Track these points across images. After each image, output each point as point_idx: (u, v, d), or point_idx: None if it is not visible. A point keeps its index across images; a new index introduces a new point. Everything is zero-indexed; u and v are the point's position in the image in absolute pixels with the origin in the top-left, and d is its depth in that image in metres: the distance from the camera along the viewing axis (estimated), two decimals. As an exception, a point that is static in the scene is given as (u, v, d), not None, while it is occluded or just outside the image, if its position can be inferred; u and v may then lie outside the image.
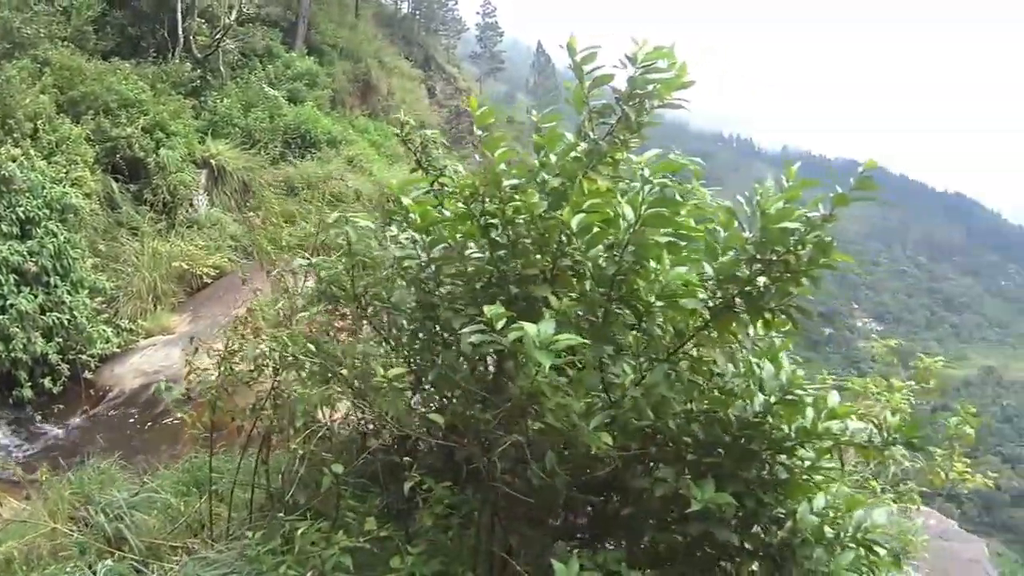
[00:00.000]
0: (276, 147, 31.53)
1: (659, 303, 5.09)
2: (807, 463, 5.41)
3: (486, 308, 4.76)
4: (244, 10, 36.18)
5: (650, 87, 5.57)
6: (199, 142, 28.08)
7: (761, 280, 4.95)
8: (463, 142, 39.63)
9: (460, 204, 5.72)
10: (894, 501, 10.13)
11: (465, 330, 5.06)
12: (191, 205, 26.08)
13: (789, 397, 5.07)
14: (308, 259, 6.89)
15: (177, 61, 31.42)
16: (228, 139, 30.18)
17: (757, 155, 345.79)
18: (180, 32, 32.42)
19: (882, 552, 5.19)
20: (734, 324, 5.16)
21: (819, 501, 5.18)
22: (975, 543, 35.42)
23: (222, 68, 34.44)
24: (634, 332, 5.40)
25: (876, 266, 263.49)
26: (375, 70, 47.01)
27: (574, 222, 5.01)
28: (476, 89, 73.29)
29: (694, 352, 5.39)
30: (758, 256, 4.92)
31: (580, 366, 5.18)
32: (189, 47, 32.87)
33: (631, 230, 4.91)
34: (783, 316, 5.16)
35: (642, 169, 4.97)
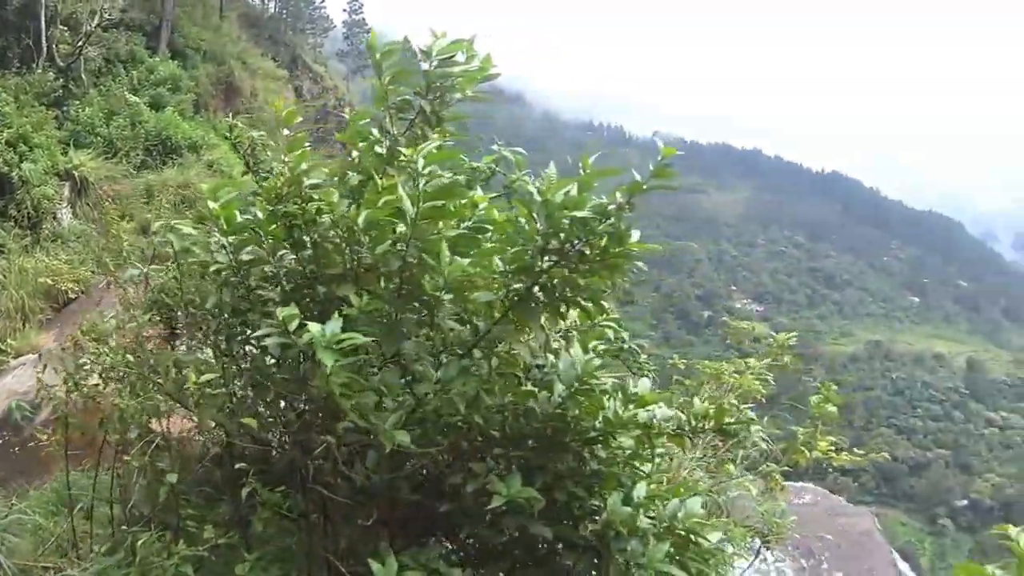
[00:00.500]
0: (138, 155, 31.30)
1: (447, 297, 5.05)
2: (627, 452, 5.38)
3: (279, 310, 4.73)
4: (107, 15, 35.68)
5: (450, 80, 5.55)
6: (62, 153, 27.74)
7: (556, 271, 4.91)
8: (330, 141, 39.56)
9: (267, 206, 5.62)
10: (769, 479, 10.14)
11: (259, 332, 5.04)
12: (55, 219, 25.77)
13: (585, 387, 4.98)
14: (140, 268, 6.82)
15: (40, 71, 31.07)
16: (91, 149, 29.80)
17: (628, 143, 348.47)
18: (44, 41, 32.01)
19: (704, 543, 5.16)
20: (528, 316, 5.09)
21: (639, 491, 5.13)
22: (865, 516, 35.90)
23: (84, 76, 34.09)
24: (426, 328, 5.35)
25: (753, 248, 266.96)
26: (238, 71, 46.64)
27: (360, 219, 4.96)
28: (343, 88, 73.21)
29: (505, 346, 5.33)
30: (549, 247, 4.84)
31: (381, 365, 5.15)
32: (52, 56, 32.46)
33: (411, 224, 4.84)
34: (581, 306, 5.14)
35: (416, 162, 4.87)
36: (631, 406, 5.08)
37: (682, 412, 5.25)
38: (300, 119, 6.02)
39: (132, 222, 23.28)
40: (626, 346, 9.23)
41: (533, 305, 5.07)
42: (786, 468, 10.14)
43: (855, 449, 10.75)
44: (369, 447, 5.21)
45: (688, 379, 10.54)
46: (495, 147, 6.55)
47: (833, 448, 9.81)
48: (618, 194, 4.81)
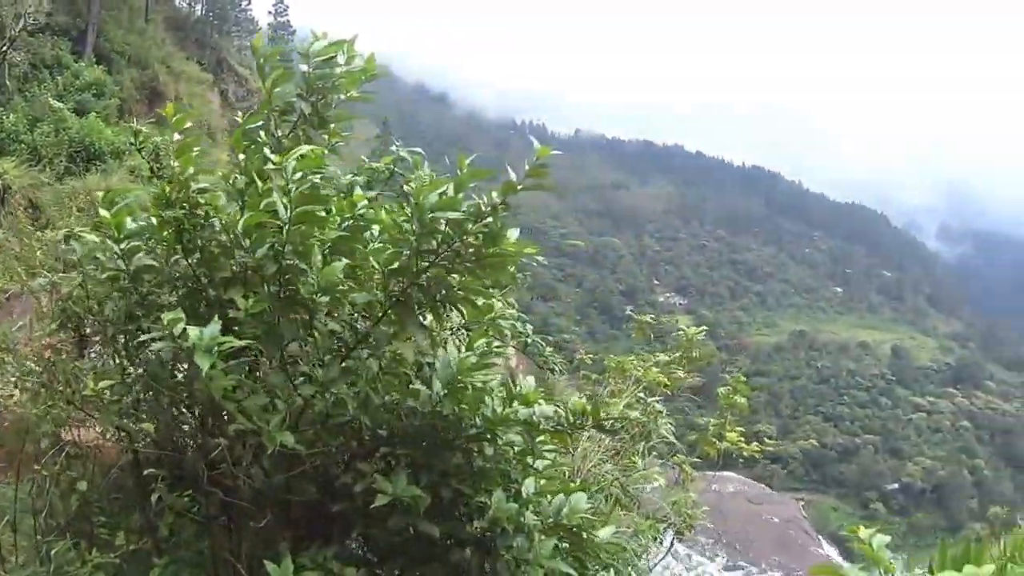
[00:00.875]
0: (61, 162, 30.78)
1: (324, 299, 5.05)
2: (517, 449, 5.45)
3: (164, 315, 4.73)
4: (32, 20, 35.28)
5: (331, 81, 5.59)
6: (-15, 161, 27.44)
7: (434, 271, 4.96)
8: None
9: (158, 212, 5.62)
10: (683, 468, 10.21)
11: (145, 337, 5.06)
12: (-22, 228, 25.54)
13: (460, 385, 5.00)
14: (48, 277, 6.82)
15: (-35, 78, 30.81)
16: (14, 156, 29.38)
17: (550, 140, 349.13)
18: (-30, 47, 31.74)
19: (595, 538, 5.23)
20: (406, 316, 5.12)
21: (528, 487, 5.21)
22: (789, 503, 36.11)
23: (9, 82, 33.70)
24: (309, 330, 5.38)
25: (675, 242, 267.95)
26: (163, 76, 46.45)
27: (240, 224, 4.97)
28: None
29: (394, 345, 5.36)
30: (423, 248, 4.87)
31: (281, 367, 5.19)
32: (-23, 62, 32.17)
33: (286, 228, 4.87)
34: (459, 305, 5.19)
35: (286, 166, 4.90)
36: (514, 403, 5.13)
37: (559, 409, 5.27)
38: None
39: (53, 230, 23.13)
40: (530, 341, 9.34)
41: (411, 305, 5.09)
42: (719, 457, 10.20)
43: (767, 438, 10.86)
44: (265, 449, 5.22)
45: (595, 374, 10.60)
46: (393, 148, 6.58)
47: (743, 438, 9.90)
48: (494, 194, 4.81)
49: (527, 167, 4.81)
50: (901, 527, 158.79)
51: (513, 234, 4.98)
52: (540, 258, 5.34)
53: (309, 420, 5.24)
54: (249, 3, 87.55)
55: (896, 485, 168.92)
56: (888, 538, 4.06)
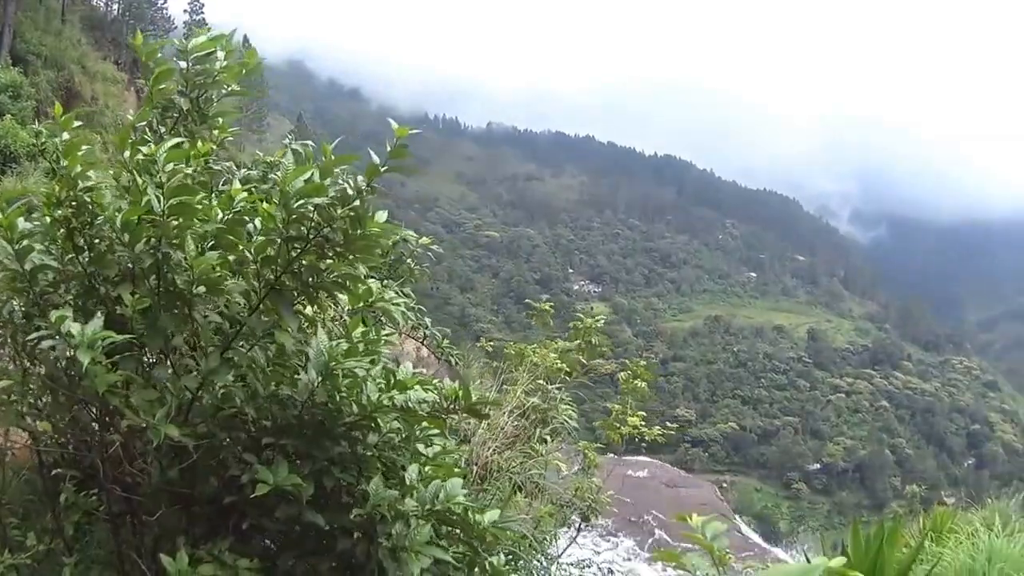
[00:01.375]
0: (-24, 165, 30.47)
1: (200, 290, 5.07)
2: (402, 436, 5.53)
3: (51, 313, 4.77)
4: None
5: (210, 76, 5.66)
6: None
7: (306, 258, 5.01)
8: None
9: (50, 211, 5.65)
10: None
11: (32, 336, 5.08)
12: None
13: (333, 372, 5.02)
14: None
15: None
16: (-70, 160, 29.17)
17: (462, 133, 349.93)
18: None
19: (478, 523, 5.31)
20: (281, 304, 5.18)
21: (412, 474, 5.27)
22: (704, 486, 36.71)
23: (-76, 86, 33.35)
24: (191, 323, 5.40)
25: (589, 231, 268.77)
26: (78, 76, 46.25)
27: (118, 219, 4.99)
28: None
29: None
30: (291, 235, 4.93)
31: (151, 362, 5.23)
32: None
33: (161, 221, 4.91)
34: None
35: (158, 158, 4.95)
36: (394, 391, 5.17)
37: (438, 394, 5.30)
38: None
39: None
40: (428, 331, 9.43)
41: (286, 294, 5.13)
42: (623, 442, 10.31)
43: (669, 423, 10.97)
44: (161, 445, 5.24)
45: (496, 361, 10.67)
46: (285, 141, 6.65)
47: (644, 423, 10.04)
48: (359, 179, 4.87)
49: (388, 148, 4.88)
50: (825, 506, 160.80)
51: (381, 216, 5.05)
52: (435, 247, 5.39)
53: (199, 413, 5.26)
54: (165, 1, 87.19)
55: (818, 465, 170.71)
56: (724, 526, 4.20)
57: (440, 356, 9.52)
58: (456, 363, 9.64)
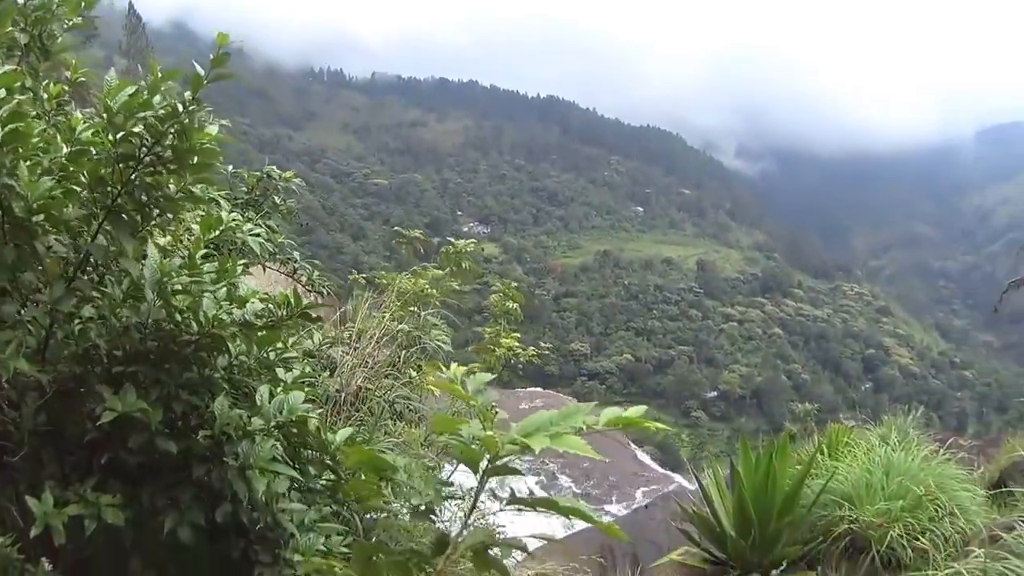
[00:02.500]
0: None
1: (39, 218, 4.90)
2: (252, 360, 5.45)
3: None
4: None
5: (49, 12, 5.53)
6: None
7: (140, 177, 4.88)
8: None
9: None
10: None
11: None
12: None
13: (165, 290, 4.92)
14: None
15: None
16: None
17: (348, 84, 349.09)
18: None
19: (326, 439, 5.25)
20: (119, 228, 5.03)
21: (263, 394, 5.18)
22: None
23: None
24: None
25: (476, 174, 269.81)
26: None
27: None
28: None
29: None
30: (120, 153, 4.79)
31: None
32: None
33: None
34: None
35: None
36: (233, 305, 5.09)
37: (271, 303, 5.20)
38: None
39: None
40: (297, 264, 9.32)
41: (124, 217, 5.00)
42: (498, 365, 10.24)
43: (543, 344, 10.94)
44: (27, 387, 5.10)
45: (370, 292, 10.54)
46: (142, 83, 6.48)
47: (519, 344, 10.00)
48: (187, 94, 4.78)
49: (211, 57, 4.81)
50: (725, 432, 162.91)
51: (212, 130, 4.95)
52: (297, 180, 5.27)
53: (55, 350, 5.09)
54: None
55: (715, 393, 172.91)
56: (488, 377, 4.15)
57: (311, 289, 9.41)
58: (328, 293, 9.53)
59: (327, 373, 7.27)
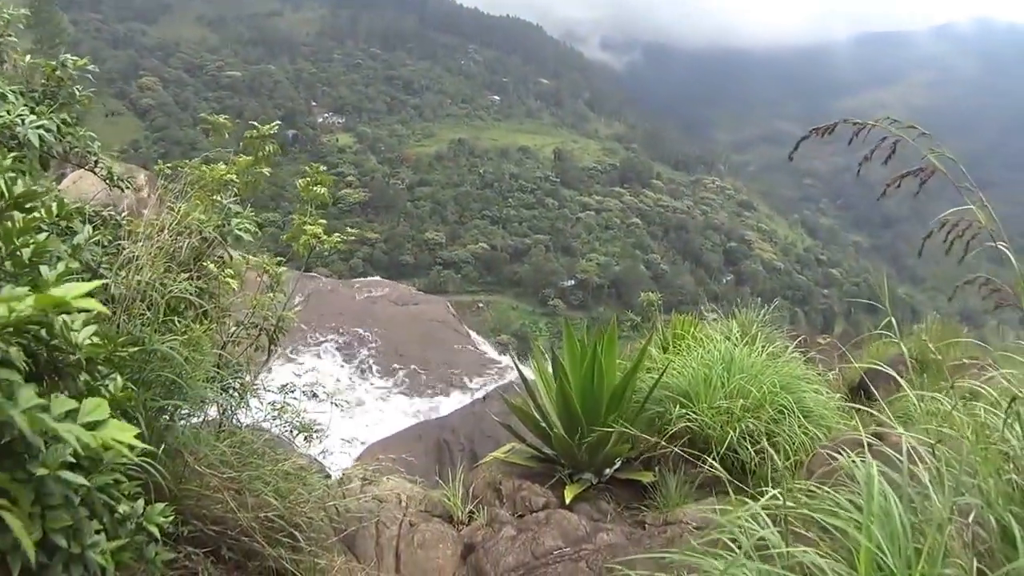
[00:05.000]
0: None
1: None
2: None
3: None
4: None
5: None
6: None
7: None
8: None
9: None
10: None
11: None
12: None
13: None
14: None
15: None
16: None
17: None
18: None
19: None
20: None
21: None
22: (438, 303, 36.49)
23: None
24: None
25: (330, 63, 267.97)
26: None
27: None
28: None
29: None
30: None
31: None
32: None
33: None
34: None
35: None
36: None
37: None
38: None
39: None
40: (96, 156, 8.45)
41: None
42: (307, 253, 9.52)
43: (350, 229, 10.29)
44: None
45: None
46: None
47: (323, 232, 9.27)
48: None
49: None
50: (584, 321, 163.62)
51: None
52: (92, 67, 4.60)
53: None
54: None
55: (572, 282, 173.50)
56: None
57: (111, 183, 8.55)
58: (126, 188, 8.68)
59: (121, 271, 6.48)
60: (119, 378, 4.74)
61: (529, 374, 11.07)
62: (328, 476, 10.85)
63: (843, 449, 5.02)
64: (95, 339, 4.51)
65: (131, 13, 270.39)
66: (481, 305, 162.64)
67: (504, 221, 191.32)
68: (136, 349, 5.55)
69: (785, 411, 8.97)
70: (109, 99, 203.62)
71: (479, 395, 20.89)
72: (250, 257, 8.94)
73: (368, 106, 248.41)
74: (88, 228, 6.16)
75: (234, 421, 7.32)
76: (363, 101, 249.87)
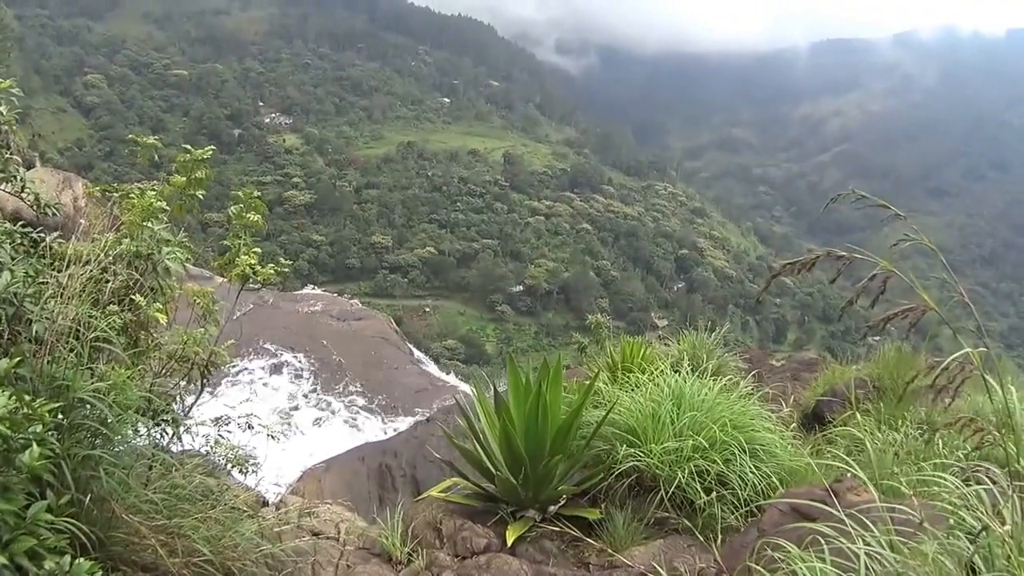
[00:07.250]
0: None
1: None
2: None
3: None
4: None
5: None
6: None
7: None
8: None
9: None
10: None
11: None
12: None
13: None
14: None
15: None
16: None
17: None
18: None
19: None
20: None
21: None
22: (375, 318, 36.08)
23: None
24: None
25: (278, 63, 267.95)
26: None
27: None
28: None
29: None
30: None
31: None
32: None
33: None
34: None
35: None
36: None
37: None
38: None
39: None
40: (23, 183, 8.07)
41: None
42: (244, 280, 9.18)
43: (282, 258, 9.92)
44: None
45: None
46: None
47: (258, 264, 8.90)
48: None
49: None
50: (532, 327, 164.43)
51: None
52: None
53: None
54: None
55: (520, 287, 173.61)
56: None
57: (38, 210, 8.12)
58: (54, 214, 8.25)
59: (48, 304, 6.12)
60: (35, 447, 4.50)
61: (472, 395, 10.80)
62: (265, 504, 10.54)
63: (797, 510, 4.83)
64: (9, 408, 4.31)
65: (77, 9, 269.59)
66: (428, 310, 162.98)
67: (452, 225, 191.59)
68: (58, 405, 5.20)
69: (737, 452, 8.66)
70: (54, 96, 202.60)
71: (422, 418, 20.49)
72: (183, 286, 8.56)
73: (316, 107, 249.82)
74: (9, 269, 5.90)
75: (166, 456, 6.98)
76: (311, 102, 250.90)
